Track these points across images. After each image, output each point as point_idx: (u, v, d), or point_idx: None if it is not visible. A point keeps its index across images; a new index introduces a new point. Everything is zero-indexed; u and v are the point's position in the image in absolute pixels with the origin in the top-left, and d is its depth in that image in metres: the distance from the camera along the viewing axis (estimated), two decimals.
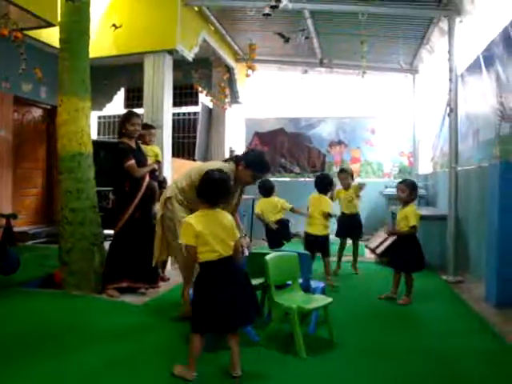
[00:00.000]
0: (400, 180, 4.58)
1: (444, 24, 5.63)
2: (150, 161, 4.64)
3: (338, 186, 5.54)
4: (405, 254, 4.14)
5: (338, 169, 8.96)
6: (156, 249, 3.72)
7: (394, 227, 4.27)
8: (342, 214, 5.48)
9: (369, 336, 3.27)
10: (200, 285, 2.53)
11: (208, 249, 2.49)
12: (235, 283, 2.53)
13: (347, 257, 5.53)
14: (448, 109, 5.32)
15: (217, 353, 2.84)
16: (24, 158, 6.61)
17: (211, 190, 2.58)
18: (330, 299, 3.12)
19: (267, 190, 5.37)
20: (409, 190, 4.15)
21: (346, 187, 5.44)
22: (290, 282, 3.26)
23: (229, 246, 2.55)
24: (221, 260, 2.51)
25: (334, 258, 5.19)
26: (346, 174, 5.48)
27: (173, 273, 4.98)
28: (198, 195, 2.65)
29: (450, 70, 5.21)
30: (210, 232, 2.49)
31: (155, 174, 4.53)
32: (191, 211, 3.07)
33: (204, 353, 2.63)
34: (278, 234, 5.20)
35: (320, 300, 3.15)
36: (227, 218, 2.62)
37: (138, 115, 4.49)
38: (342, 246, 5.51)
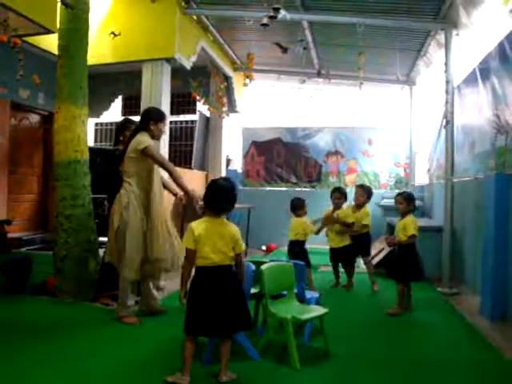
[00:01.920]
0: (398, 192, 4.63)
1: (441, 37, 5.68)
2: None
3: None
4: (400, 263, 4.19)
5: (334, 179, 9.11)
6: (109, 247, 3.78)
7: (394, 237, 4.31)
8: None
9: (364, 346, 3.25)
10: (192, 288, 2.56)
11: (201, 255, 2.53)
12: (226, 293, 2.52)
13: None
14: (444, 121, 5.35)
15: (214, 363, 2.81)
16: (20, 164, 6.58)
17: (217, 199, 2.61)
18: (325, 310, 3.10)
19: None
20: (406, 201, 4.25)
21: (360, 205, 5.31)
22: (285, 292, 3.24)
23: (227, 257, 2.56)
24: (215, 268, 2.52)
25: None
26: (362, 190, 5.34)
27: (168, 282, 4.94)
28: (204, 202, 2.67)
29: (447, 82, 5.25)
30: (207, 239, 2.52)
31: None
32: (146, 193, 3.72)
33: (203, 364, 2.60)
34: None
35: (315, 310, 3.13)
36: (228, 229, 2.61)
37: (135, 123, 4.49)
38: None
